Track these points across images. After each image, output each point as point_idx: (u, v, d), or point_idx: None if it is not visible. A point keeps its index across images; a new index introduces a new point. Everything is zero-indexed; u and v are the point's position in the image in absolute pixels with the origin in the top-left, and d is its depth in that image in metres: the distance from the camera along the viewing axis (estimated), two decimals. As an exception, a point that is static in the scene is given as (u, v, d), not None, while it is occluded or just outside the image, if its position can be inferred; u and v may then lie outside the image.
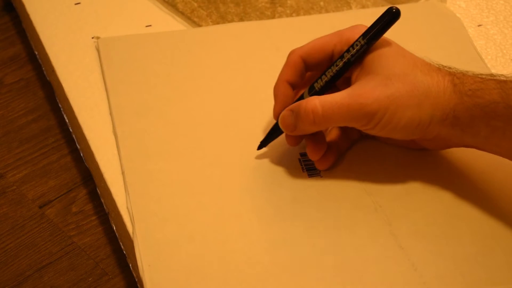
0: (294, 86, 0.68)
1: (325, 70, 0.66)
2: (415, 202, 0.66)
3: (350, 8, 0.85)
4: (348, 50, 0.65)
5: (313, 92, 0.66)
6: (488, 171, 0.67)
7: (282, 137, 0.69)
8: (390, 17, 0.64)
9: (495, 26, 0.84)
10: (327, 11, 0.85)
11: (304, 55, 0.67)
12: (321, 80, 0.66)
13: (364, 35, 0.64)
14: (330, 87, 0.66)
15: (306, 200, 0.66)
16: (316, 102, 0.63)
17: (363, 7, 0.86)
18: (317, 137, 0.67)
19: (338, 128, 0.69)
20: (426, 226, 0.64)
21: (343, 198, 0.66)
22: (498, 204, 0.65)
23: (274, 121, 0.68)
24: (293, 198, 0.66)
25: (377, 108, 0.62)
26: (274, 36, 0.80)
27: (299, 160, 0.69)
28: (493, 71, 0.78)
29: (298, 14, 0.85)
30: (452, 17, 0.83)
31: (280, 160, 0.69)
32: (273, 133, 0.68)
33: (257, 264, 0.62)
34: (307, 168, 0.68)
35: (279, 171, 0.68)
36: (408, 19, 0.83)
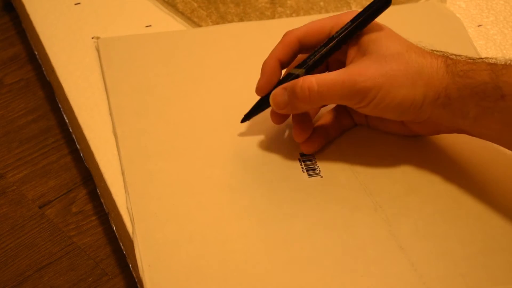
0: (283, 65, 0.68)
1: (316, 50, 0.67)
2: (415, 202, 0.66)
3: (350, 8, 0.85)
4: (338, 32, 0.66)
5: (302, 68, 0.67)
6: (489, 171, 0.67)
7: (283, 140, 0.69)
8: (381, 3, 0.65)
9: (495, 26, 0.84)
10: (327, 11, 0.85)
11: (300, 36, 0.68)
12: (309, 59, 0.67)
13: (353, 19, 0.66)
14: (320, 68, 0.67)
15: (306, 200, 0.66)
16: (312, 79, 0.64)
17: (363, 7, 0.86)
18: (303, 120, 0.67)
19: (332, 114, 0.70)
20: (426, 226, 0.64)
21: (343, 198, 0.66)
22: (499, 204, 0.65)
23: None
24: (293, 198, 0.66)
25: (372, 86, 0.63)
26: (274, 36, 0.80)
27: (299, 160, 0.69)
28: (493, 71, 0.78)
29: (298, 14, 0.85)
30: (452, 17, 0.83)
31: (280, 160, 0.69)
32: (257, 107, 0.69)
33: (257, 264, 0.62)
34: (307, 168, 0.68)
35: (279, 171, 0.68)
36: (408, 19, 0.83)
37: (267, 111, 0.69)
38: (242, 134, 0.71)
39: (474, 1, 0.86)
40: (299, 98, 0.65)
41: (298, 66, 0.67)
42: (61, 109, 0.79)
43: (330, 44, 0.66)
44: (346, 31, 0.66)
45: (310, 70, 0.67)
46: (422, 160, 0.68)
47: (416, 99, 0.63)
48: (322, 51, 0.66)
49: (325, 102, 0.66)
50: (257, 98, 0.69)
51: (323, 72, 0.68)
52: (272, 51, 0.68)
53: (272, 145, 0.69)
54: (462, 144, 0.69)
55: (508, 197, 0.66)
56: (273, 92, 0.67)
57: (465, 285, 0.60)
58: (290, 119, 0.69)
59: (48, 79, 0.82)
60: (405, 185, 0.67)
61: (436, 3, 0.85)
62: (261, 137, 0.70)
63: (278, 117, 0.68)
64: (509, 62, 0.62)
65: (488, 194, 0.66)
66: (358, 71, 0.63)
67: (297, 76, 0.66)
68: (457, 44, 0.80)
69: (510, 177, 0.67)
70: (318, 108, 0.71)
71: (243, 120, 0.70)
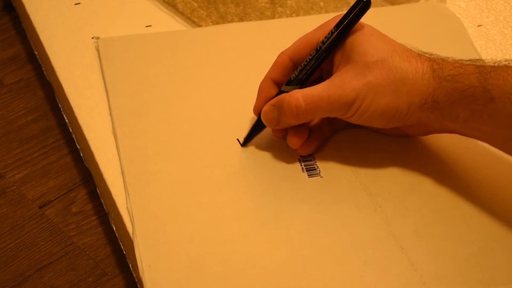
0: (279, 84, 0.68)
1: (303, 63, 0.67)
2: (415, 202, 0.66)
3: (350, 8, 0.85)
4: (322, 41, 0.66)
5: (290, 83, 0.67)
6: (488, 172, 0.67)
7: (283, 140, 0.69)
8: (362, 6, 0.65)
9: (495, 27, 0.84)
10: (327, 11, 0.85)
11: (291, 54, 0.68)
12: (297, 71, 0.67)
13: (336, 25, 0.65)
14: (310, 79, 0.67)
15: (306, 200, 0.66)
16: (298, 96, 0.64)
17: (363, 7, 0.86)
18: (298, 127, 0.67)
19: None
20: (426, 226, 0.64)
21: (343, 198, 0.66)
22: (498, 204, 0.65)
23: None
24: (293, 198, 0.66)
25: (355, 97, 0.63)
26: (274, 36, 0.80)
27: (299, 160, 0.69)
28: (493, 71, 0.78)
29: (298, 14, 0.85)
30: (452, 17, 0.83)
31: (280, 160, 0.69)
32: (255, 128, 0.69)
33: (257, 264, 0.62)
34: (307, 168, 0.68)
35: (279, 171, 0.68)
36: (408, 19, 0.83)
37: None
38: (242, 134, 0.71)
39: (474, 1, 0.86)
40: (287, 115, 0.65)
41: (288, 83, 0.67)
42: (61, 109, 0.79)
43: (315, 56, 0.66)
44: (329, 40, 0.66)
45: (301, 84, 0.67)
46: (422, 160, 0.68)
47: (401, 107, 0.63)
48: (309, 65, 0.66)
49: (313, 117, 0.66)
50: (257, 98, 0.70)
51: (317, 77, 0.69)
52: (266, 73, 0.69)
53: (272, 145, 0.69)
54: (461, 144, 0.69)
55: (508, 197, 0.66)
56: (263, 109, 0.67)
57: (464, 285, 0.60)
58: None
59: (48, 79, 0.82)
60: (405, 185, 0.67)
61: (436, 3, 0.85)
62: (261, 137, 0.70)
63: (279, 132, 0.68)
64: (496, 64, 0.61)
65: (488, 194, 0.66)
66: (342, 83, 0.63)
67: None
68: (457, 44, 0.80)
69: (510, 177, 0.67)
70: None
71: (243, 144, 0.70)
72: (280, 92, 0.68)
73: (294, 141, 0.67)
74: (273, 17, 0.85)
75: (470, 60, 0.63)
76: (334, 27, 0.65)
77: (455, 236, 0.63)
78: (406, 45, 0.65)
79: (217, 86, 0.75)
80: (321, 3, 0.86)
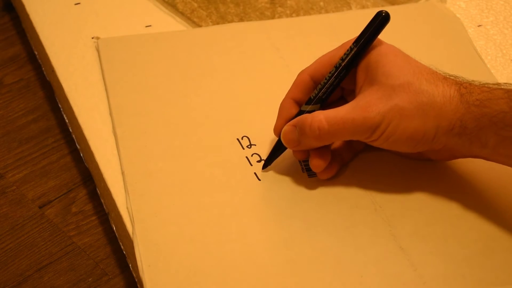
0: (300, 104, 0.67)
1: (323, 81, 0.65)
2: (415, 203, 0.66)
3: (350, 8, 0.85)
4: (341, 58, 0.65)
5: (310, 102, 0.66)
6: (488, 172, 0.67)
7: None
8: (381, 21, 0.64)
9: (495, 27, 0.84)
10: (327, 12, 0.85)
11: (312, 73, 0.66)
12: (317, 90, 0.66)
13: (356, 41, 0.64)
14: (331, 99, 0.66)
15: (306, 200, 0.66)
16: (321, 117, 0.63)
17: (363, 7, 0.86)
18: (321, 149, 0.66)
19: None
20: (426, 226, 0.64)
21: (343, 198, 0.66)
22: (498, 204, 0.65)
23: (276, 138, 0.68)
24: (293, 198, 0.66)
25: (381, 120, 0.61)
26: (274, 36, 0.80)
27: (299, 160, 0.69)
28: (493, 71, 0.78)
29: (298, 15, 0.85)
30: (452, 17, 0.83)
31: (280, 160, 0.68)
32: (276, 150, 0.68)
33: (257, 264, 0.62)
34: (307, 168, 0.68)
35: (279, 171, 0.68)
36: (408, 19, 0.83)
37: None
38: (242, 134, 0.71)
39: (474, 1, 0.86)
40: (309, 137, 0.64)
41: (308, 102, 0.66)
42: (61, 109, 0.79)
43: (335, 73, 0.65)
44: (349, 57, 0.64)
45: (321, 103, 0.65)
46: (422, 160, 0.68)
47: (428, 131, 0.61)
48: (329, 83, 0.65)
49: (336, 139, 0.65)
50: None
51: (339, 97, 0.67)
52: (287, 92, 0.67)
53: (272, 145, 0.69)
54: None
55: (508, 198, 0.66)
56: (283, 129, 0.66)
57: (465, 285, 0.60)
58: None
59: (48, 79, 0.82)
60: (405, 185, 0.67)
61: (436, 3, 0.85)
62: (261, 137, 0.70)
63: (301, 153, 0.67)
64: None
65: (488, 194, 0.66)
66: (367, 106, 0.62)
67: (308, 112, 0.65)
68: (457, 44, 0.81)
69: (510, 177, 0.67)
70: None
71: (264, 167, 0.68)
72: (301, 112, 0.66)
73: (317, 164, 0.65)
74: (273, 17, 0.85)
75: (497, 84, 0.61)
76: (353, 43, 0.64)
77: (455, 236, 0.63)
78: (431, 67, 0.63)
79: (217, 86, 0.75)
80: (321, 3, 0.86)
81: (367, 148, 0.69)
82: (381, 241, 0.63)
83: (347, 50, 0.64)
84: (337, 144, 0.68)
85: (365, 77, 0.64)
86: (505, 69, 0.79)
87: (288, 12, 0.85)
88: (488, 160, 0.63)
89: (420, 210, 0.65)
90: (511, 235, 0.63)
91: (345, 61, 0.64)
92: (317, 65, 0.66)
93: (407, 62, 0.63)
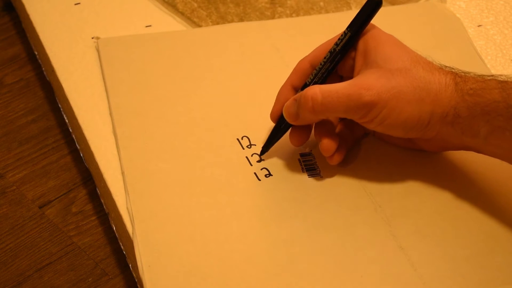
0: (298, 90, 0.67)
1: (320, 64, 0.66)
2: (415, 202, 0.66)
3: (350, 8, 0.85)
4: (336, 43, 0.66)
5: (305, 87, 0.66)
6: (488, 171, 0.67)
7: (283, 140, 0.69)
8: (373, 6, 0.65)
9: (495, 27, 0.84)
10: (327, 12, 0.85)
11: (311, 60, 0.67)
12: (312, 75, 0.66)
13: (349, 26, 0.65)
14: (333, 80, 0.67)
15: (306, 200, 0.66)
16: (316, 89, 0.63)
17: (363, 7, 0.86)
18: (330, 133, 0.66)
19: (343, 124, 0.69)
20: (426, 226, 0.64)
21: (343, 198, 0.66)
22: (498, 204, 0.65)
23: (273, 124, 0.68)
24: (293, 198, 0.66)
25: (377, 100, 0.62)
26: (274, 36, 0.80)
27: (299, 160, 0.69)
28: (493, 71, 0.78)
29: (298, 15, 0.85)
30: (452, 17, 0.83)
31: (280, 160, 0.68)
32: (274, 135, 0.68)
33: (257, 264, 0.62)
34: (307, 168, 0.68)
35: (279, 171, 0.68)
36: (408, 19, 0.83)
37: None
38: (242, 134, 0.71)
39: (474, 1, 0.86)
40: (303, 108, 0.64)
41: (303, 87, 0.67)
42: (61, 109, 0.79)
43: (330, 58, 0.66)
44: (343, 41, 0.65)
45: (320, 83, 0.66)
46: (423, 160, 0.68)
47: (423, 117, 0.62)
48: (324, 67, 0.66)
49: (329, 113, 0.65)
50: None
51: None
52: (286, 79, 0.68)
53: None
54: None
55: (508, 198, 0.66)
56: (286, 103, 0.66)
57: (464, 285, 0.60)
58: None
59: (48, 79, 0.82)
60: (405, 185, 0.67)
61: (436, 3, 0.85)
62: (261, 137, 0.70)
63: (297, 138, 0.67)
64: None
65: (488, 194, 0.66)
66: (364, 84, 0.62)
67: None
68: (457, 44, 0.81)
69: (510, 177, 0.67)
70: (336, 119, 0.69)
71: (261, 153, 0.69)
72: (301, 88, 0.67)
73: (328, 145, 0.66)
74: (273, 17, 0.85)
75: (493, 75, 0.62)
76: (347, 28, 0.65)
77: (455, 236, 0.63)
78: (427, 58, 0.64)
79: (217, 86, 0.75)
80: (321, 3, 0.86)
81: (367, 148, 0.69)
82: (381, 241, 0.63)
83: (341, 35, 0.66)
84: (339, 128, 0.69)
85: (363, 62, 0.65)
86: (505, 69, 0.79)
87: (288, 12, 0.85)
88: (479, 153, 0.64)
89: (420, 210, 0.65)
90: (511, 235, 0.63)
91: (339, 46, 0.66)
92: (316, 53, 0.68)
93: (404, 51, 0.64)
